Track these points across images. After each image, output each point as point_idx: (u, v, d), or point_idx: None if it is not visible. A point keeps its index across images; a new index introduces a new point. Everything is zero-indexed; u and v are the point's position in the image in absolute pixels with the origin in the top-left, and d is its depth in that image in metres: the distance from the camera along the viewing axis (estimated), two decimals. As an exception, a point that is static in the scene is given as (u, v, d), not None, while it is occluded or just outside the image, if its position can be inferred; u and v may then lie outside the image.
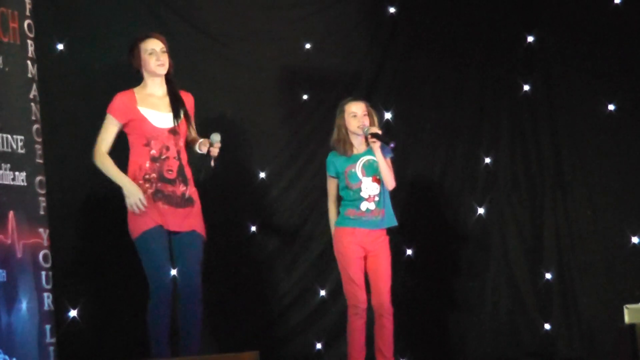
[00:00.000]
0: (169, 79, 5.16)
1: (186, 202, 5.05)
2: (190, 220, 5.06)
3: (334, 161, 5.64)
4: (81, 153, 6.01)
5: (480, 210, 7.02)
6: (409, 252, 6.87)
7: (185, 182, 5.05)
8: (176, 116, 5.07)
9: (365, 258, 5.57)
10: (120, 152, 5.22)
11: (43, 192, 4.95)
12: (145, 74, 5.14)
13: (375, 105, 6.82)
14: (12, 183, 4.76)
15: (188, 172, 5.10)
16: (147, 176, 4.96)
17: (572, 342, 6.83)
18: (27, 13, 5.04)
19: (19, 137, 4.85)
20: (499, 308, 6.95)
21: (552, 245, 7.00)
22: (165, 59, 5.10)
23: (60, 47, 6.03)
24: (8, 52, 4.85)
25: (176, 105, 5.10)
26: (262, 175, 6.67)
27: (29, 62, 4.99)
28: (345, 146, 5.61)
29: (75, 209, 6.09)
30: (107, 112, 5.06)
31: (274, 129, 6.79)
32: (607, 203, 6.90)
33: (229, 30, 6.70)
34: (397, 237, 6.72)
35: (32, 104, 4.98)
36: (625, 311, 5.70)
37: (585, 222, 6.93)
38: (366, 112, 5.59)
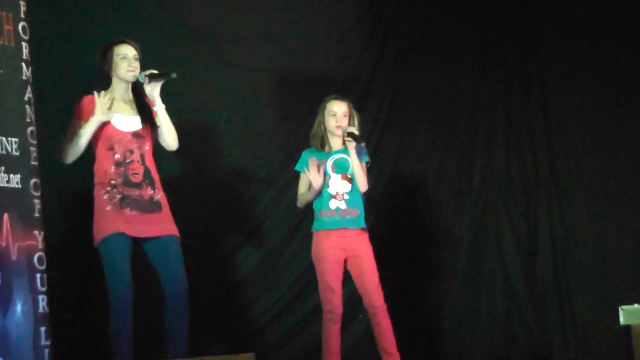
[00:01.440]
0: (136, 86, 5.14)
1: (154, 206, 5.00)
2: (162, 225, 5.01)
3: (309, 155, 5.62)
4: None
5: (476, 212, 7.02)
6: (403, 254, 6.87)
7: (152, 185, 5.01)
8: (143, 119, 5.04)
9: (345, 261, 5.53)
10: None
11: (38, 194, 4.94)
12: (114, 79, 5.12)
13: (370, 107, 6.85)
14: (6, 185, 4.74)
15: (155, 176, 5.05)
16: (112, 182, 4.94)
17: (567, 344, 6.83)
18: (22, 15, 5.02)
19: (14, 140, 4.83)
20: (495, 310, 6.95)
21: (547, 247, 7.01)
22: (136, 66, 5.08)
23: (55, 49, 6.02)
24: (2, 55, 4.83)
25: (143, 109, 5.07)
26: (257, 177, 6.67)
27: (23, 65, 4.98)
28: (321, 142, 5.61)
29: (70, 211, 6.08)
30: (73, 114, 5.05)
31: (269, 131, 6.79)
32: (602, 205, 6.91)
33: (223, 31, 6.70)
34: (391, 239, 6.74)
35: (27, 106, 4.97)
36: (621, 312, 5.71)
37: (581, 224, 6.94)
38: (347, 113, 5.57)
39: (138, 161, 5.00)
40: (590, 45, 7.03)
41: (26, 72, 5.00)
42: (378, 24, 7.08)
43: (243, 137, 6.70)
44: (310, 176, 5.53)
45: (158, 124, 5.05)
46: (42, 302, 4.85)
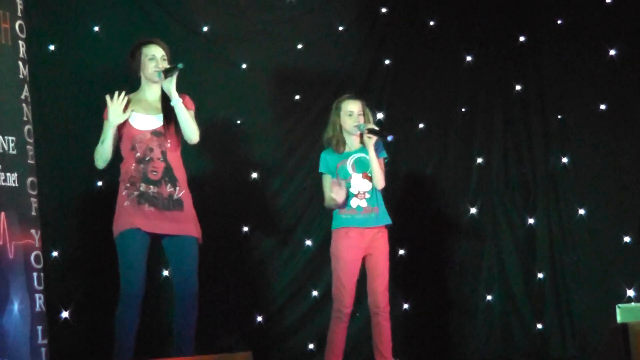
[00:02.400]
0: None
1: (174, 204, 4.98)
2: (182, 224, 5.00)
3: (326, 158, 5.60)
4: (73, 154, 6.03)
5: (473, 210, 7.03)
6: (402, 252, 6.87)
7: (173, 183, 4.99)
8: (166, 117, 5.04)
9: (363, 259, 5.52)
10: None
11: (35, 192, 4.95)
12: (142, 79, 5.10)
13: (368, 105, 6.85)
14: (3, 184, 4.75)
15: (179, 174, 5.03)
16: (132, 179, 4.93)
17: (564, 342, 6.83)
18: (19, 14, 5.03)
19: (11, 138, 4.84)
20: (492, 308, 6.96)
21: (544, 245, 7.01)
22: (164, 66, 5.06)
23: (51, 48, 6.02)
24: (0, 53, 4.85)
25: (167, 108, 5.06)
26: (255, 175, 6.67)
27: (20, 63, 4.98)
28: (338, 143, 5.57)
29: (67, 209, 6.08)
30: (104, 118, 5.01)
31: (267, 129, 6.79)
32: (599, 202, 6.91)
33: (221, 30, 6.70)
34: (389, 237, 6.74)
35: (24, 104, 4.97)
36: (618, 311, 5.71)
37: (578, 221, 6.94)
38: (362, 112, 5.57)
39: (158, 158, 4.98)
40: (588, 44, 7.03)
41: (23, 70, 5.00)
42: (376, 23, 7.08)
43: (241, 135, 6.70)
44: (333, 194, 5.44)
45: (177, 118, 5.04)
46: (39, 301, 4.85)
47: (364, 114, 5.57)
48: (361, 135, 5.54)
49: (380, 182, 5.51)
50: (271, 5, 6.87)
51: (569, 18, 7.07)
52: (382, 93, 7.04)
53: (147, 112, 5.05)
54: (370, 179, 5.52)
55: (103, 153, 4.99)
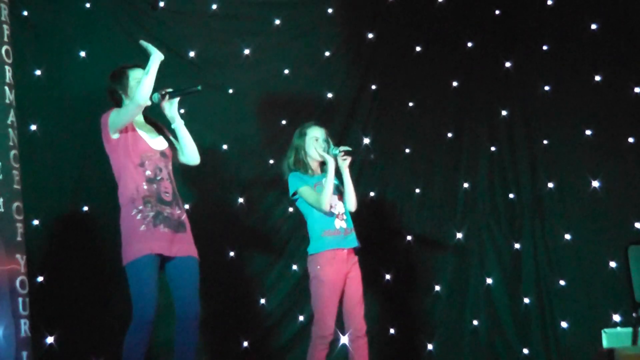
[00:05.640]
0: (146, 110, 5.09)
1: (180, 226, 4.94)
2: (186, 246, 4.95)
3: (300, 177, 5.50)
4: (59, 179, 6.02)
5: (459, 235, 7.04)
6: (388, 277, 6.87)
7: (179, 205, 4.97)
8: (167, 139, 5.02)
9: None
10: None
11: (20, 218, 4.94)
12: (127, 101, 5.04)
13: (354, 130, 6.87)
14: (-11, 209, 4.75)
15: (179, 196, 5.02)
16: (146, 198, 4.84)
17: (551, 367, 6.84)
18: (5, 39, 5.05)
19: (-4, 163, 4.84)
20: (478, 332, 6.95)
21: (530, 270, 7.01)
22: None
23: (38, 73, 6.02)
24: (-14, 78, 4.86)
25: (161, 130, 5.06)
26: (241, 200, 6.67)
27: (6, 88, 4.99)
28: (306, 167, 5.53)
29: (53, 234, 6.06)
30: (105, 121, 4.88)
31: (253, 154, 6.79)
32: (584, 228, 6.93)
33: (208, 55, 6.72)
34: (375, 262, 6.74)
35: (10, 129, 4.98)
36: (604, 335, 5.72)
37: (564, 246, 6.96)
38: (326, 138, 5.55)
39: (167, 179, 4.95)
40: (573, 69, 7.07)
41: (9, 95, 5.01)
42: (362, 49, 7.11)
43: (228, 159, 6.71)
44: (323, 155, 5.40)
45: (179, 140, 5.03)
46: (25, 326, 4.84)
47: (326, 141, 5.55)
48: (322, 163, 5.51)
49: (354, 203, 5.47)
50: (258, 31, 6.89)
51: (554, 44, 7.12)
52: (368, 118, 7.06)
53: (151, 133, 5.02)
54: (342, 201, 5.51)
55: (151, 85, 4.82)
